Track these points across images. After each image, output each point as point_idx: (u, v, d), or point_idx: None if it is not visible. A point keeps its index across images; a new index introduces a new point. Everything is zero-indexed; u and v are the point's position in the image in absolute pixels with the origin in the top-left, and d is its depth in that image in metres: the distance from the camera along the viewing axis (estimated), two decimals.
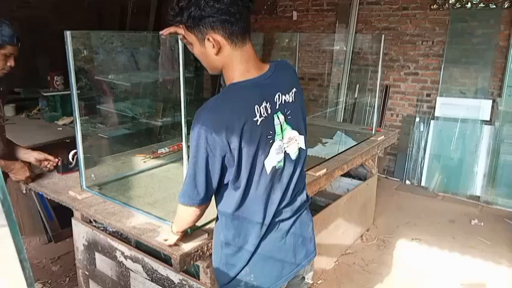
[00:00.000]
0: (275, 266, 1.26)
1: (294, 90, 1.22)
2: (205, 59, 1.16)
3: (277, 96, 1.16)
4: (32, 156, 1.98)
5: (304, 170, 1.31)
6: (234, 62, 1.13)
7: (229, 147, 1.07)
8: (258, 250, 1.22)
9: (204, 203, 1.18)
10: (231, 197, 1.18)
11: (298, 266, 1.31)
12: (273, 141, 1.15)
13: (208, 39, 1.09)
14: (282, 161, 1.19)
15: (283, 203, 1.23)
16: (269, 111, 1.13)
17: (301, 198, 1.30)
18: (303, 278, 1.40)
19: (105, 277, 1.90)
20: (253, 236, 1.21)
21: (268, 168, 1.15)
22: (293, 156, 1.22)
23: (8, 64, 1.70)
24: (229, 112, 1.07)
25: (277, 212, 1.22)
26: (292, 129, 1.21)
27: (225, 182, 1.16)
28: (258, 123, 1.10)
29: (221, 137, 1.06)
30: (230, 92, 1.12)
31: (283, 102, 1.17)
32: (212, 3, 1.04)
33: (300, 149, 1.24)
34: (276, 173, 1.18)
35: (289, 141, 1.20)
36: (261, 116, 1.10)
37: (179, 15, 1.11)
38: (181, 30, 1.35)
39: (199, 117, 1.08)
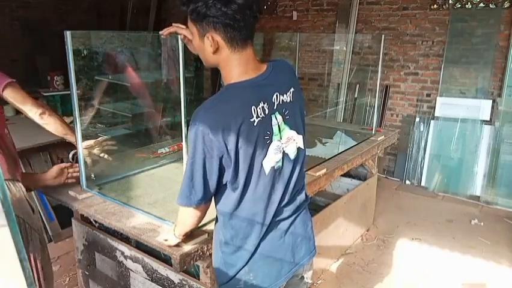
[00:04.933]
0: (274, 265, 1.26)
1: (292, 90, 1.22)
2: (202, 53, 1.17)
3: (275, 96, 1.16)
4: (50, 175, 1.85)
5: (304, 169, 1.31)
6: (232, 64, 1.13)
7: (226, 147, 1.08)
8: (257, 250, 1.22)
9: (201, 204, 1.18)
10: (230, 197, 1.18)
11: (297, 265, 1.31)
12: (271, 141, 1.15)
13: (208, 38, 1.10)
14: (281, 161, 1.19)
15: (283, 203, 1.23)
16: (266, 112, 1.13)
17: (301, 197, 1.30)
18: (302, 277, 1.40)
19: (105, 277, 1.90)
20: (253, 236, 1.21)
21: (267, 168, 1.15)
22: (292, 156, 1.22)
23: None
24: (226, 113, 1.08)
25: (277, 212, 1.22)
26: (291, 129, 1.21)
27: (223, 182, 1.16)
28: (255, 124, 1.10)
29: (218, 138, 1.06)
30: (227, 92, 1.13)
31: (281, 102, 1.17)
32: (219, 5, 1.04)
33: (298, 148, 1.24)
34: (275, 173, 1.18)
35: (287, 141, 1.20)
36: (258, 116, 1.11)
37: (185, 5, 1.11)
38: (181, 30, 1.36)
39: (195, 118, 1.08)
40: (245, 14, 1.06)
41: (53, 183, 1.86)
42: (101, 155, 1.98)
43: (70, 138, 1.85)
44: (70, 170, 1.89)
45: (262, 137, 1.12)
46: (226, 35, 1.08)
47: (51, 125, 1.78)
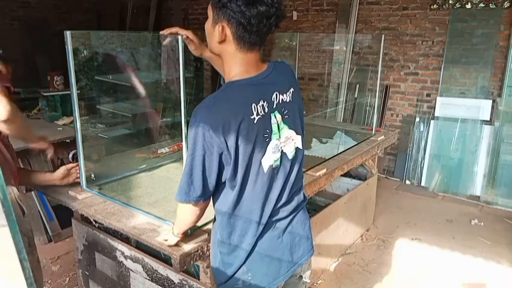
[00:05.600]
0: (272, 264, 1.26)
1: (292, 90, 1.23)
2: (209, 38, 1.19)
3: (274, 95, 1.17)
4: (57, 176, 1.87)
5: (302, 169, 1.32)
6: (235, 61, 1.14)
7: (226, 145, 1.08)
8: (255, 249, 1.23)
9: (200, 201, 1.18)
10: (228, 195, 1.18)
11: (295, 265, 1.32)
12: (270, 140, 1.15)
13: (219, 26, 1.12)
14: (279, 160, 1.19)
15: (280, 203, 1.23)
16: (266, 110, 1.14)
17: (299, 198, 1.30)
18: (301, 277, 1.41)
19: (105, 277, 1.90)
20: (249, 235, 1.21)
21: (265, 167, 1.16)
22: (290, 155, 1.22)
23: None
24: (226, 110, 1.08)
25: (274, 212, 1.22)
26: (289, 128, 1.21)
27: (222, 180, 1.16)
28: (255, 122, 1.11)
29: (218, 135, 1.06)
30: (227, 90, 1.13)
31: (280, 101, 1.18)
32: (241, 3, 1.05)
33: (297, 148, 1.25)
34: (273, 172, 1.19)
35: (286, 141, 1.20)
36: (258, 114, 1.11)
37: None
38: (182, 31, 1.37)
39: (196, 115, 1.09)
40: (261, 22, 1.08)
41: (60, 184, 1.87)
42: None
43: (32, 144, 1.84)
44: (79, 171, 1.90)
45: (261, 135, 1.13)
46: (237, 32, 1.10)
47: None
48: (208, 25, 1.17)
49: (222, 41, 1.13)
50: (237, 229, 1.21)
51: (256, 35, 1.10)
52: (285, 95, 1.20)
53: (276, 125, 1.17)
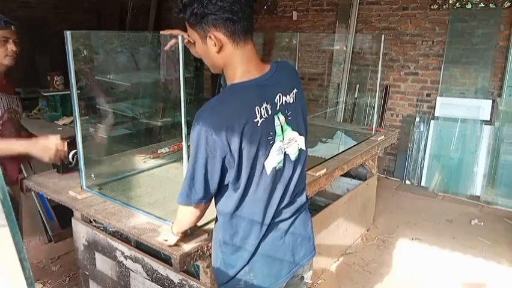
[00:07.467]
0: (274, 265, 1.26)
1: (295, 91, 1.22)
2: (207, 57, 1.16)
3: (278, 97, 1.16)
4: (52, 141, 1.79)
5: (305, 171, 1.31)
6: (235, 61, 1.13)
7: (230, 148, 1.07)
8: (257, 250, 1.22)
9: (202, 203, 1.17)
10: (230, 197, 1.17)
11: (297, 266, 1.31)
12: (273, 142, 1.14)
13: (210, 37, 1.09)
14: (282, 161, 1.18)
15: (283, 204, 1.23)
16: (270, 112, 1.13)
17: (301, 199, 1.29)
18: (302, 277, 1.40)
19: (105, 277, 1.90)
20: (252, 236, 1.20)
21: (269, 169, 1.15)
22: (293, 157, 1.22)
23: (10, 49, 1.67)
24: (230, 113, 1.07)
25: (277, 213, 1.22)
26: (293, 130, 1.20)
27: (225, 183, 1.16)
28: (259, 124, 1.09)
29: (221, 138, 1.05)
30: (230, 92, 1.12)
31: (283, 103, 1.17)
32: (215, 1, 1.04)
33: (300, 150, 1.24)
34: (276, 174, 1.18)
35: (289, 142, 1.19)
36: (261, 117, 1.10)
37: (182, 11, 1.11)
38: (184, 34, 1.37)
39: (199, 118, 1.07)
40: (241, 4, 1.06)
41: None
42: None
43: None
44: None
45: (265, 138, 1.12)
46: (228, 30, 1.08)
47: None
48: (199, 47, 1.15)
49: (220, 49, 1.10)
50: (240, 230, 1.21)
51: (244, 20, 1.08)
52: (288, 96, 1.18)
53: (280, 126, 1.16)
